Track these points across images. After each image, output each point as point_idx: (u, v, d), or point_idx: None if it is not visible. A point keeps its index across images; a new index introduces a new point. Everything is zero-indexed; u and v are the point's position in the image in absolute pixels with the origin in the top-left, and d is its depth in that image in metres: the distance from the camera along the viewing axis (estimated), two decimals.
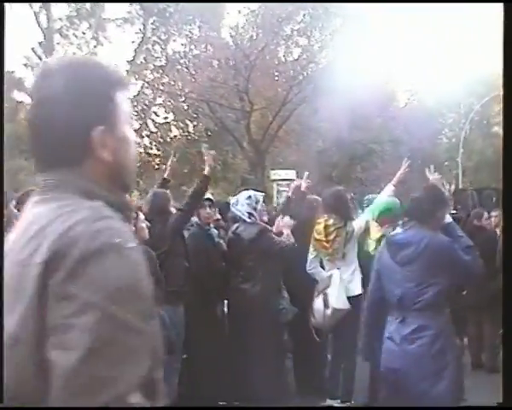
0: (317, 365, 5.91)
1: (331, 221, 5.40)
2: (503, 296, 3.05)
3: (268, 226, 5.60)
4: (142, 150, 27.39)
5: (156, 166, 26.31)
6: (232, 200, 5.74)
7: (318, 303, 5.33)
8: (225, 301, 5.66)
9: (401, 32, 41.40)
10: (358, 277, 5.43)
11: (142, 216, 3.54)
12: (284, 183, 20.35)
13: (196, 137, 27.19)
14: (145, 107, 26.50)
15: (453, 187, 9.20)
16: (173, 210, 5.32)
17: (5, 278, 1.27)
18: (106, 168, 1.32)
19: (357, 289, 5.40)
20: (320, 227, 5.43)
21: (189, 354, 5.11)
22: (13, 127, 24.94)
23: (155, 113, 27.20)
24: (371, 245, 4.84)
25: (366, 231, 5.25)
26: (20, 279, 1.20)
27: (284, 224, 5.49)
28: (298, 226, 5.63)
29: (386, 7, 36.43)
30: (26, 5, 24.53)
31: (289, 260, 5.49)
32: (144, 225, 3.59)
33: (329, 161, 27.16)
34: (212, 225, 5.75)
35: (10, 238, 1.29)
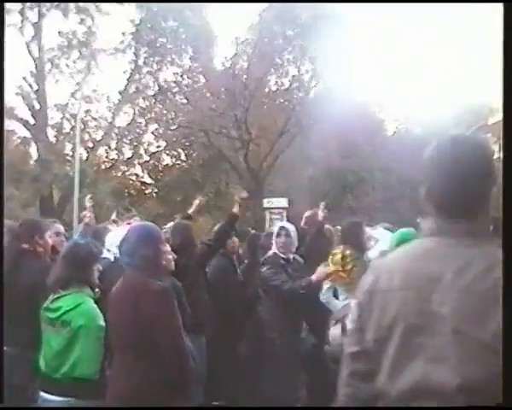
0: (331, 393, 5.92)
1: (348, 252, 5.46)
2: (503, 295, 3.12)
3: (277, 258, 5.56)
4: (134, 178, 27.48)
5: (149, 194, 26.35)
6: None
7: (336, 331, 5.36)
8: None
9: (390, 61, 41.95)
10: None
11: (168, 248, 3.58)
12: (277, 211, 20.48)
13: (188, 166, 27.35)
14: (137, 135, 26.62)
15: None
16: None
17: None
18: None
19: None
20: (337, 258, 5.48)
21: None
22: (5, 156, 24.87)
23: (148, 141, 27.36)
24: None
25: None
26: None
27: (318, 273, 5.39)
28: (314, 255, 5.67)
29: (376, 35, 37.13)
30: (17, 34, 24.69)
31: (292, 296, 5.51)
32: (171, 256, 3.62)
33: (321, 189, 27.31)
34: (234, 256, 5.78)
35: None
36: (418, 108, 34.69)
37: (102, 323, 3.46)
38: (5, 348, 4.02)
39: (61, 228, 5.25)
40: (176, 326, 3.05)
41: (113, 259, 4.54)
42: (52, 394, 3.46)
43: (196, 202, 6.19)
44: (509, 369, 2.94)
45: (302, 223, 6.29)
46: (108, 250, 4.59)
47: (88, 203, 6.59)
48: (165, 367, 3.00)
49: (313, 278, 5.34)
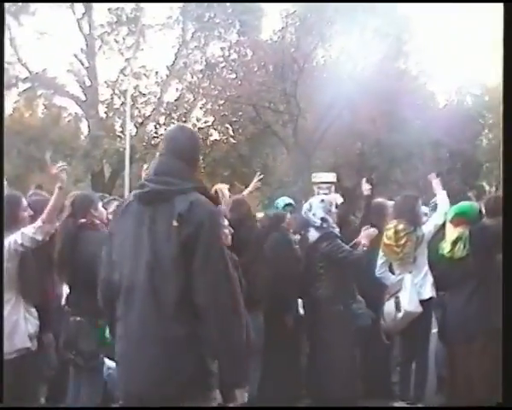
0: (385, 367, 5.95)
1: (401, 226, 5.43)
2: (502, 296, 3.07)
3: (334, 232, 5.58)
4: None
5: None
6: (305, 206, 5.75)
7: (389, 306, 5.37)
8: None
9: (440, 31, 41.07)
10: (429, 280, 5.46)
11: (226, 222, 3.63)
12: (325, 185, 20.43)
13: (235, 141, 27.43)
14: (185, 111, 26.78)
15: (494, 189, 9.14)
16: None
17: None
18: None
19: (428, 292, 5.43)
20: (390, 232, 5.46)
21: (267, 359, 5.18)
22: (57, 132, 25.48)
23: (196, 117, 27.50)
24: (446, 248, 4.84)
25: (440, 234, 5.25)
26: None
27: (365, 235, 5.44)
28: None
29: (424, 4, 36.30)
30: (69, 12, 25.07)
31: (358, 266, 5.53)
32: (227, 231, 3.68)
33: (369, 164, 27.08)
34: (291, 230, 5.81)
35: None
36: (470, 79, 33.70)
37: None
38: (73, 317, 4.21)
39: None
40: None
41: None
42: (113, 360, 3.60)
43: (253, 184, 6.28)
44: (509, 369, 2.92)
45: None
46: None
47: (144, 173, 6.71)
48: None
49: (358, 239, 5.42)
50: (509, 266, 2.99)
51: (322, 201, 5.63)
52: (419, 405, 5.41)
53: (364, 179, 6.12)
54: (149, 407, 2.65)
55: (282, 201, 5.92)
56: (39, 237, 4.08)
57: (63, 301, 4.60)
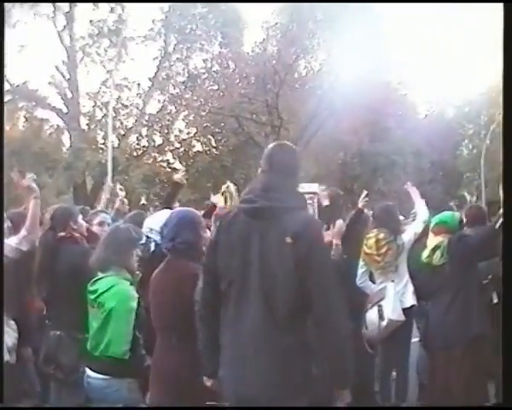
0: (366, 376, 5.95)
1: (382, 235, 5.45)
2: (502, 297, 3.11)
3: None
4: (165, 165, 27.70)
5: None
6: None
7: (372, 315, 5.38)
8: None
9: (421, 42, 41.64)
10: (410, 289, 5.48)
11: (208, 234, 3.64)
12: (307, 196, 20.47)
13: (218, 152, 27.49)
14: (168, 122, 26.80)
15: (474, 198, 9.26)
16: None
17: None
18: None
19: (409, 300, 5.45)
20: (371, 242, 5.48)
21: None
22: (38, 144, 25.31)
23: (179, 128, 27.56)
24: (425, 254, 4.88)
25: (422, 242, 5.28)
26: None
27: (336, 234, 5.49)
28: (350, 240, 5.68)
29: (405, 17, 36.67)
30: (50, 24, 25.01)
31: (340, 274, 5.53)
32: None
33: (351, 174, 27.24)
34: None
35: None
36: (450, 91, 34.18)
37: (134, 305, 3.54)
38: (53, 331, 4.17)
39: (107, 217, 5.37)
40: None
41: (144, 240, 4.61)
42: (93, 371, 3.59)
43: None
44: (509, 369, 2.96)
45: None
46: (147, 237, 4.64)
47: (119, 192, 6.71)
48: None
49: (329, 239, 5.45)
50: (510, 266, 3.02)
51: None
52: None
53: (366, 193, 6.13)
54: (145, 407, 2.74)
55: None
56: (24, 248, 4.07)
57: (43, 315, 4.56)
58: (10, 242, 4.08)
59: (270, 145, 3.10)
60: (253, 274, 2.80)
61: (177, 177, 6.04)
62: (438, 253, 4.71)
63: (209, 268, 2.98)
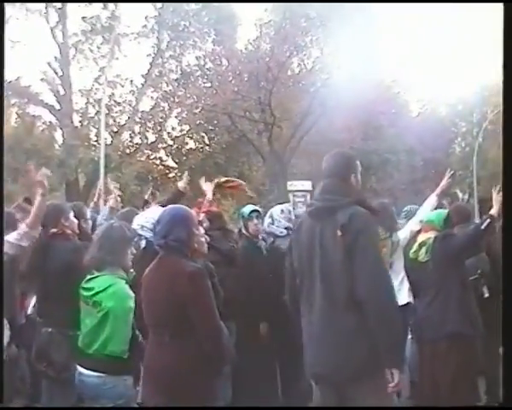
0: None
1: None
2: (502, 297, 3.14)
3: None
4: (158, 162, 27.62)
5: (172, 178, 26.47)
6: (266, 219, 5.74)
7: None
8: None
9: (414, 40, 41.64)
10: (406, 286, 5.50)
11: (202, 231, 3.63)
12: (300, 194, 20.51)
13: (211, 150, 27.45)
14: (161, 120, 26.73)
15: (466, 196, 9.27)
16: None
17: None
18: None
19: (404, 298, 5.46)
20: None
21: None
22: (31, 141, 25.21)
23: (171, 126, 27.48)
24: (412, 249, 4.92)
25: (416, 239, 5.29)
26: None
27: None
28: None
29: (398, 15, 36.72)
30: (42, 20, 24.87)
31: None
32: (203, 239, 3.68)
33: None
34: (260, 237, 5.78)
35: None
36: (443, 89, 34.24)
37: (132, 304, 3.55)
38: (45, 328, 4.15)
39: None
40: (209, 305, 3.14)
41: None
42: (86, 368, 3.58)
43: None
44: (509, 369, 2.98)
45: None
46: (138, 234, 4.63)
47: (115, 189, 6.70)
48: (201, 345, 3.08)
49: None
50: (510, 266, 3.03)
51: (282, 211, 5.65)
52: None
53: None
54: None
55: (247, 208, 5.89)
56: (24, 244, 4.06)
57: (30, 312, 4.55)
58: (9, 238, 4.05)
59: (328, 153, 3.59)
60: (316, 267, 3.26)
61: (181, 185, 6.04)
62: (423, 249, 4.80)
63: (288, 267, 3.54)
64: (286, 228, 5.57)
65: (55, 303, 4.08)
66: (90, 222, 5.62)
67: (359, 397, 3.17)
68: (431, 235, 4.87)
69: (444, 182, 5.90)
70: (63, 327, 4.00)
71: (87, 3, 24.98)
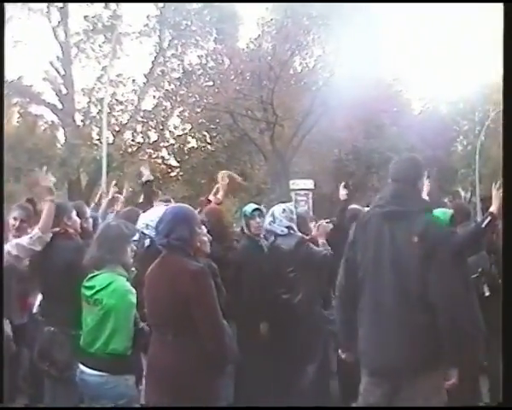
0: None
1: None
2: (502, 297, 3.15)
3: (305, 237, 5.62)
4: (160, 161, 27.62)
5: (174, 177, 26.49)
6: (267, 218, 5.74)
7: None
8: None
9: (415, 39, 41.67)
10: None
11: (204, 230, 3.63)
12: (302, 192, 20.53)
13: (213, 149, 27.45)
14: (163, 119, 26.73)
15: (469, 194, 9.29)
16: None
17: None
18: None
19: None
20: None
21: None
22: (33, 140, 25.23)
23: (173, 125, 27.49)
24: None
25: None
26: None
27: (320, 233, 5.55)
28: (340, 235, 5.70)
29: (399, 14, 36.66)
30: (44, 19, 24.90)
31: (335, 269, 5.54)
32: (206, 238, 3.69)
33: (346, 170, 27.25)
34: (261, 236, 5.79)
35: None
36: (445, 87, 34.19)
37: (134, 300, 3.57)
38: (47, 327, 4.17)
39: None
40: (212, 304, 3.14)
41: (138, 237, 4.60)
42: (88, 367, 3.59)
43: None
44: (509, 369, 2.99)
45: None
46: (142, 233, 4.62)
47: (119, 196, 6.80)
48: (203, 344, 3.09)
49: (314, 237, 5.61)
50: (510, 266, 3.04)
51: (284, 210, 5.64)
52: None
53: (343, 184, 6.11)
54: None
55: (249, 207, 5.89)
56: (37, 248, 4.10)
57: (36, 311, 4.56)
58: (22, 241, 4.09)
59: (396, 159, 3.79)
60: (385, 265, 3.44)
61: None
62: None
63: (348, 261, 3.66)
64: (287, 227, 5.55)
65: (57, 302, 4.09)
66: (91, 221, 5.63)
67: (415, 392, 3.34)
68: None
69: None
70: (66, 326, 4.01)
71: (89, 3, 24.99)
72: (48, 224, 4.17)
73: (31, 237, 4.10)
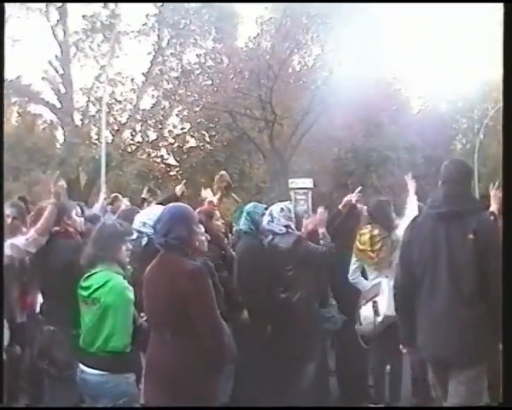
0: (360, 371, 5.97)
1: (376, 231, 5.46)
2: (502, 297, 3.17)
3: (303, 235, 5.61)
4: (159, 161, 27.62)
5: (173, 177, 26.48)
6: (265, 217, 5.71)
7: (367, 311, 5.38)
8: None
9: (414, 37, 41.69)
10: None
11: (202, 229, 3.63)
12: (301, 191, 20.51)
13: (212, 148, 27.45)
14: (162, 118, 26.73)
15: None
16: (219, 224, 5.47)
17: None
18: None
19: None
20: (365, 238, 5.49)
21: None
22: (32, 140, 25.24)
23: (172, 124, 27.49)
24: None
25: None
26: None
27: (318, 220, 5.52)
28: (342, 235, 5.69)
29: (398, 13, 36.68)
30: (43, 18, 24.89)
31: (333, 267, 5.54)
32: (204, 237, 3.68)
33: (345, 169, 27.25)
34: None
35: None
36: (444, 85, 34.13)
37: (131, 296, 3.57)
38: (47, 326, 4.17)
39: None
40: (210, 303, 3.14)
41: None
42: (89, 366, 3.59)
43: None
44: (509, 369, 3.00)
45: (341, 205, 6.22)
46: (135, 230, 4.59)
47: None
48: (202, 343, 3.09)
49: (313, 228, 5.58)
50: (510, 266, 3.06)
51: (282, 209, 5.61)
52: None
53: (359, 188, 6.18)
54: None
55: (258, 206, 5.87)
56: (32, 250, 4.09)
57: (37, 310, 4.57)
58: (17, 242, 4.08)
59: (446, 162, 3.97)
60: (441, 262, 3.68)
61: (178, 190, 6.48)
62: None
63: (405, 260, 3.91)
64: (285, 226, 5.53)
65: (57, 301, 4.09)
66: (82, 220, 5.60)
67: (465, 380, 3.64)
68: None
69: (412, 183, 5.99)
70: (66, 325, 4.02)
71: (87, 2, 24.99)
72: (46, 227, 4.17)
73: (27, 239, 4.09)
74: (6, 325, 4.20)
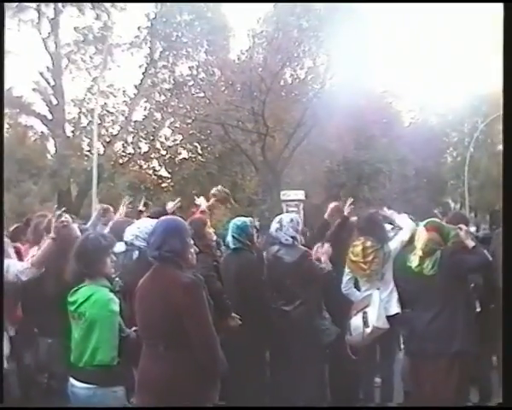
0: (351, 381, 5.94)
1: (369, 243, 5.48)
2: (502, 297, 3.16)
3: (308, 250, 5.58)
4: (150, 172, 27.61)
5: (165, 188, 26.47)
6: (274, 224, 5.66)
7: (357, 321, 5.38)
8: None
9: (405, 51, 41.90)
10: (395, 297, 5.50)
11: (191, 241, 3.61)
12: (293, 203, 20.54)
13: (204, 160, 27.48)
14: (154, 130, 26.74)
15: (458, 206, 9.38)
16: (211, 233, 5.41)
17: None
18: None
19: (394, 308, 5.47)
20: (357, 249, 5.51)
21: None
22: (23, 151, 25.14)
23: (164, 135, 27.52)
24: (414, 262, 4.78)
25: (408, 248, 5.25)
26: None
27: (324, 251, 5.53)
28: (335, 247, 5.69)
29: (389, 26, 36.93)
30: (34, 30, 24.87)
31: (328, 282, 5.55)
32: (193, 250, 3.65)
33: (337, 181, 27.33)
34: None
35: None
36: (434, 99, 34.41)
37: (116, 308, 3.52)
38: (44, 339, 4.14)
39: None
40: (204, 316, 3.14)
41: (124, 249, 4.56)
42: (78, 380, 3.55)
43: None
44: (509, 369, 3.00)
45: (326, 214, 6.26)
46: (126, 242, 4.56)
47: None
48: (195, 356, 3.08)
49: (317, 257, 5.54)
50: (510, 266, 3.05)
51: (292, 220, 5.59)
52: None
53: (351, 200, 6.16)
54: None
55: (239, 220, 5.78)
56: (24, 278, 4.10)
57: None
58: (14, 268, 4.10)
59: None
60: None
61: (169, 206, 6.52)
62: (428, 263, 4.58)
63: None
64: (292, 237, 5.48)
65: (52, 314, 4.07)
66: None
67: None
68: (432, 236, 4.70)
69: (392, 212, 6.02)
70: (62, 338, 3.98)
71: (80, 14, 25.00)
72: (42, 261, 4.16)
73: (22, 266, 4.11)
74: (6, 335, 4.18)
